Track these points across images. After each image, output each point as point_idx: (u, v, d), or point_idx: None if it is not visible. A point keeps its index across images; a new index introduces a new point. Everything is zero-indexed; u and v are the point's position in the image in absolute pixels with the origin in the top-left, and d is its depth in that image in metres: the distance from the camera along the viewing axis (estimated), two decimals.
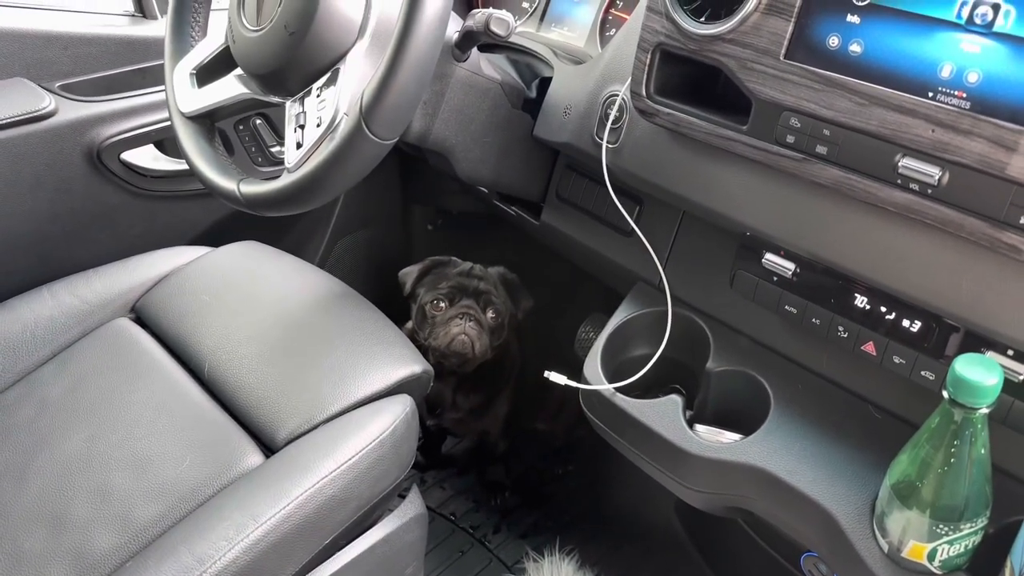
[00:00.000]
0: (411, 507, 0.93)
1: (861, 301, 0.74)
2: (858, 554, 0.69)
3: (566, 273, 1.45)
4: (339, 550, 0.85)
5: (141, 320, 1.05)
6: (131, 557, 0.77)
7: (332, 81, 0.80)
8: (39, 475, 0.85)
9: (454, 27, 0.91)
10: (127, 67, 1.21)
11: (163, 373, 0.96)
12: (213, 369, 0.95)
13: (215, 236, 1.30)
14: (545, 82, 1.04)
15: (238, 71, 0.90)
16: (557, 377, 0.92)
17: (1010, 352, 0.66)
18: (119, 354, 0.99)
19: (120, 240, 1.23)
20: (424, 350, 1.15)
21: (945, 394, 0.59)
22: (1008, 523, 0.67)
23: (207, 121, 0.95)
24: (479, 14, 0.88)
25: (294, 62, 0.81)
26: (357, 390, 0.90)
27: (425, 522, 0.96)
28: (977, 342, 0.68)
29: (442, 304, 1.20)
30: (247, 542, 0.75)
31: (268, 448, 0.88)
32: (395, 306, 1.23)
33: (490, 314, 1.21)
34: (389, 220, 1.62)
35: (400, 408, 0.90)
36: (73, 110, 1.14)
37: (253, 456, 0.86)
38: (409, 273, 1.25)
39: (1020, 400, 0.66)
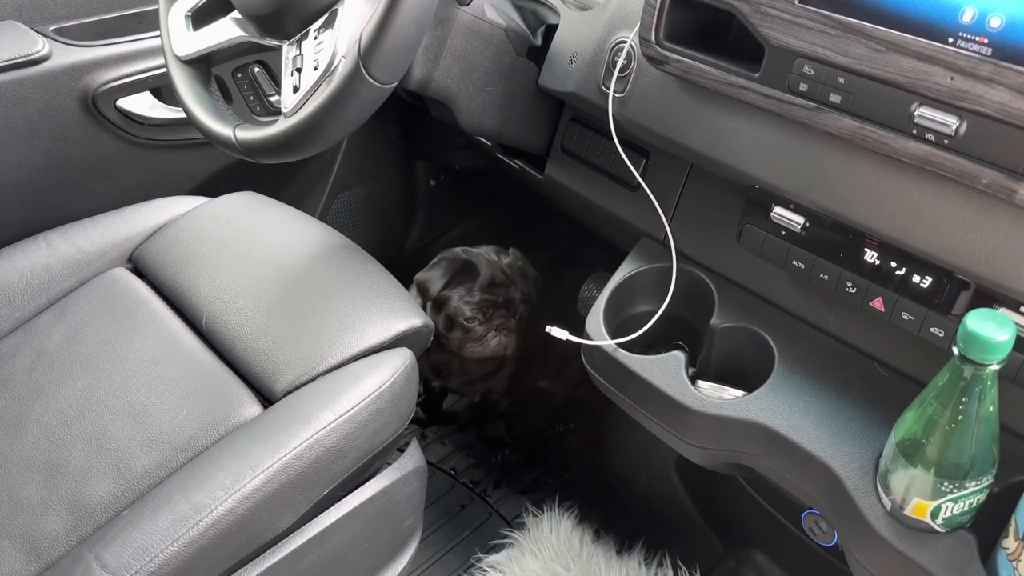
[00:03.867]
0: (410, 460, 0.93)
1: (871, 256, 0.72)
2: (860, 511, 0.68)
3: (570, 231, 1.43)
4: (337, 501, 0.85)
5: (138, 270, 1.04)
6: (128, 506, 0.77)
7: (330, 23, 0.77)
8: (36, 424, 0.85)
9: None
10: (123, 11, 1.18)
11: (160, 323, 0.95)
12: (211, 319, 0.94)
13: (214, 187, 1.29)
14: (551, 29, 1.01)
15: (234, 13, 0.88)
16: (559, 332, 0.91)
17: (1022, 308, 0.64)
18: (116, 304, 0.98)
19: (117, 189, 1.21)
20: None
21: (955, 350, 0.58)
22: (1014, 482, 0.66)
23: (203, 66, 0.93)
24: None
25: (291, 3, 0.79)
26: (356, 342, 0.89)
27: (424, 475, 0.96)
28: (988, 299, 0.66)
29: (476, 317, 1.20)
30: (244, 491, 0.75)
31: (266, 399, 0.87)
32: (396, 260, 1.22)
33: (517, 316, 1.23)
34: (391, 175, 1.59)
35: (400, 361, 0.89)
36: (67, 55, 1.11)
37: (251, 407, 0.85)
38: (432, 280, 1.21)
39: None
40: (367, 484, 0.88)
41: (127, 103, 1.17)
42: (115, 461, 0.81)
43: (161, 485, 0.78)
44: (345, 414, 0.82)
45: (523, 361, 1.37)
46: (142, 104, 1.19)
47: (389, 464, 0.91)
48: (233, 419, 0.84)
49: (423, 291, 1.22)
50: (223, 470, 0.76)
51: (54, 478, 0.80)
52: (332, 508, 0.84)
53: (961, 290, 0.68)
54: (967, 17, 0.59)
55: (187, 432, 0.83)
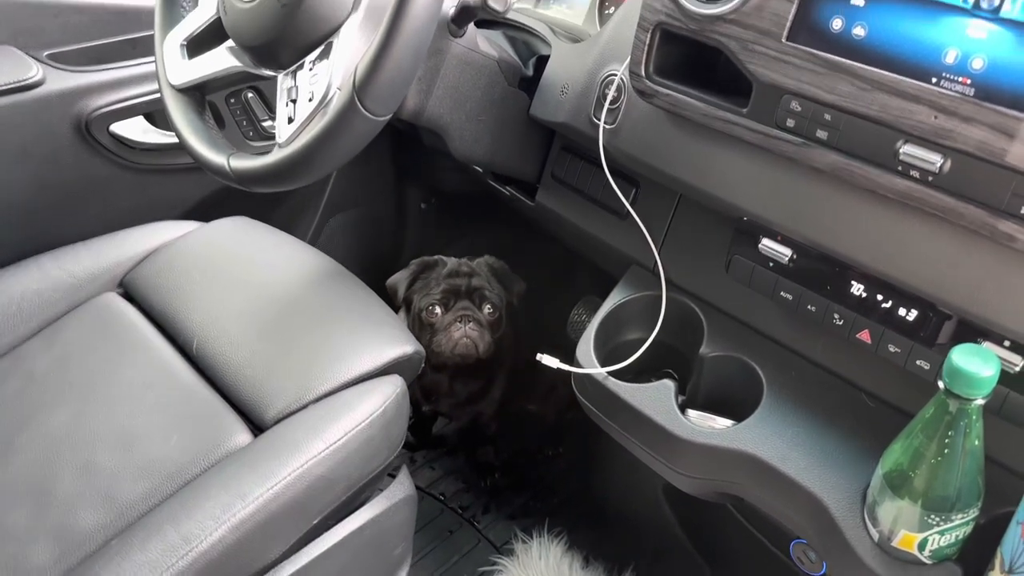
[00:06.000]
0: (400, 488, 0.93)
1: (857, 288, 0.73)
2: (848, 542, 0.69)
3: (560, 255, 1.44)
4: (327, 530, 0.85)
5: (129, 295, 1.04)
6: (116, 535, 0.77)
7: (325, 55, 0.78)
8: (24, 450, 0.84)
9: (450, 1, 0.89)
10: (117, 37, 1.19)
11: (151, 349, 0.95)
12: (202, 346, 0.94)
13: (205, 211, 1.29)
14: (542, 60, 1.03)
15: (229, 43, 0.88)
16: (550, 360, 0.91)
17: (1006, 343, 0.65)
18: (107, 329, 0.98)
19: (109, 213, 1.21)
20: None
21: (941, 384, 0.58)
22: (999, 514, 0.67)
23: (197, 94, 0.93)
24: None
25: (286, 35, 0.79)
26: (348, 370, 0.89)
27: (414, 503, 0.96)
28: (973, 332, 0.67)
29: (438, 309, 1.19)
30: (234, 521, 0.74)
31: (257, 427, 0.87)
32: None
33: (487, 309, 1.21)
34: (382, 199, 1.60)
35: (391, 388, 0.89)
36: (61, 80, 1.12)
37: (241, 435, 0.85)
38: (399, 281, 1.23)
39: (1015, 391, 0.65)
40: (357, 513, 0.88)
41: (120, 128, 1.17)
42: (104, 489, 0.80)
43: (150, 514, 0.77)
44: (336, 443, 0.82)
45: (512, 384, 1.37)
46: (134, 129, 1.19)
47: (380, 491, 0.91)
48: (223, 447, 0.84)
49: (393, 294, 1.22)
50: (213, 499, 0.76)
51: (42, 505, 0.79)
52: (321, 538, 0.84)
53: (945, 321, 0.69)
54: (950, 58, 0.60)
55: (177, 460, 0.82)
